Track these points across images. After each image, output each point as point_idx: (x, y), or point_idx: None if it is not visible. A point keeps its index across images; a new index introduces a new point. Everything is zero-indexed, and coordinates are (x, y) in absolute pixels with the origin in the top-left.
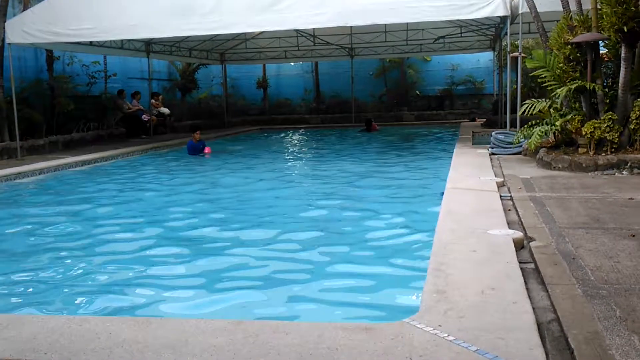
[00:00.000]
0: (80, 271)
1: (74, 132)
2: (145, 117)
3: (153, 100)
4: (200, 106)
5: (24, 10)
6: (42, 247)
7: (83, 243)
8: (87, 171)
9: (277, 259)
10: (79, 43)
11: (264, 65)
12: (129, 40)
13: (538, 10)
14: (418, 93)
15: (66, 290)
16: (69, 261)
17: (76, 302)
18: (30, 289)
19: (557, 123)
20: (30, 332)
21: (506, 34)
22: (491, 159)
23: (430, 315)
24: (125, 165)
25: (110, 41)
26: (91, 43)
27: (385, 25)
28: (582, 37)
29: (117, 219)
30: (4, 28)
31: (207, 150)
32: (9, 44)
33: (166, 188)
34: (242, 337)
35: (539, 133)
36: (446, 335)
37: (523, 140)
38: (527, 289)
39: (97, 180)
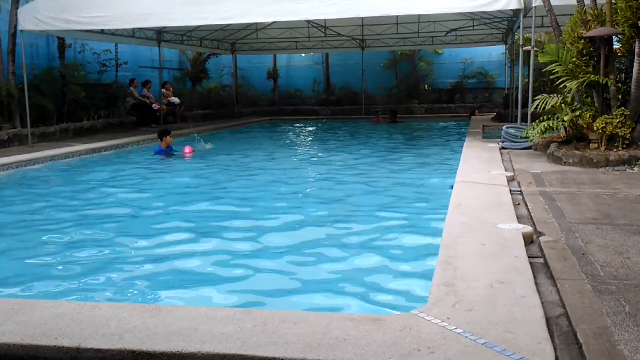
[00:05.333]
0: (91, 258)
1: (85, 120)
2: (155, 106)
3: (164, 90)
4: (210, 96)
5: None
6: (51, 233)
7: (92, 230)
8: (97, 158)
9: (286, 249)
10: (90, 31)
11: (275, 55)
12: (140, 29)
13: (552, 3)
14: (426, 87)
15: (76, 276)
16: (78, 248)
17: (86, 288)
18: (40, 275)
19: (566, 118)
20: (40, 317)
21: (519, 27)
22: (501, 153)
23: (439, 307)
24: (135, 154)
25: (122, 29)
26: (102, 31)
27: (396, 16)
28: (596, 31)
29: (127, 206)
30: (17, 15)
31: (187, 150)
32: (21, 30)
33: (176, 176)
34: (250, 325)
35: (543, 127)
36: (454, 327)
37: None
38: (536, 283)
39: (108, 167)
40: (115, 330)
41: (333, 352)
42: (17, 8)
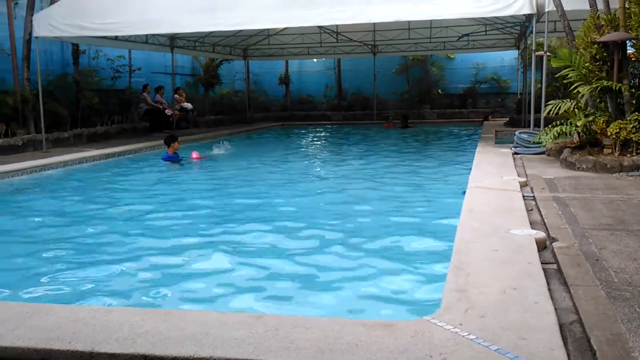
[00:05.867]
0: (103, 263)
1: (98, 125)
2: (168, 112)
3: (176, 95)
4: (223, 101)
5: (51, 4)
6: (64, 238)
7: (105, 236)
8: (111, 164)
9: (297, 254)
10: (104, 37)
11: (287, 61)
12: (153, 35)
13: (565, 8)
14: (439, 92)
15: (88, 280)
16: (90, 253)
17: (99, 292)
18: (53, 279)
19: (579, 123)
20: (54, 322)
21: (531, 32)
22: (514, 159)
23: (451, 313)
24: (147, 159)
25: (135, 36)
26: (116, 37)
27: (408, 22)
28: (609, 36)
29: (138, 212)
30: (31, 21)
31: (195, 155)
32: (36, 37)
33: (184, 182)
34: (262, 330)
35: (556, 132)
36: (467, 334)
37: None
38: (549, 289)
39: (121, 173)
40: (128, 335)
41: (345, 358)
42: (32, 15)
